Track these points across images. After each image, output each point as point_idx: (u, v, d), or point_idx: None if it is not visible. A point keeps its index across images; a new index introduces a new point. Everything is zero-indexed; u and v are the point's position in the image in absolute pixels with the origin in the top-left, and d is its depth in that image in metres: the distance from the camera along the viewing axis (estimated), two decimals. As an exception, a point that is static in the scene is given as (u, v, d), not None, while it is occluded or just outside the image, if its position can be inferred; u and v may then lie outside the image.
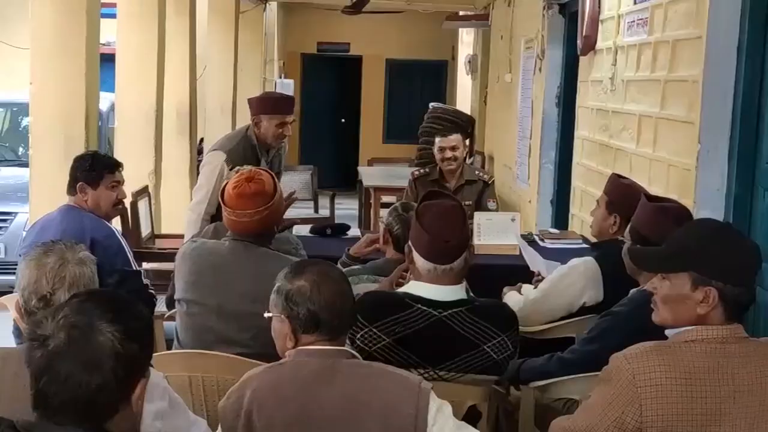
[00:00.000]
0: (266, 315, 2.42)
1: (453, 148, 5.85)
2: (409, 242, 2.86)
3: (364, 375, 2.27)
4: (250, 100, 5.00)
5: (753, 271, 2.26)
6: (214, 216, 4.56)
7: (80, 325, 1.68)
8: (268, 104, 4.91)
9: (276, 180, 3.42)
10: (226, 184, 3.39)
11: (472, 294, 3.05)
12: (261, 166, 4.50)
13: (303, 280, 2.33)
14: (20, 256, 4.07)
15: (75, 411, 1.66)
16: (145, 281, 4.05)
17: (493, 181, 6.13)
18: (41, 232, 4.00)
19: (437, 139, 5.97)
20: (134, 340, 1.72)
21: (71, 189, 4.11)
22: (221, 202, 3.36)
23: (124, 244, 4.07)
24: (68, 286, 2.36)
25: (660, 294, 2.31)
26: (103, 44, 5.59)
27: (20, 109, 8.72)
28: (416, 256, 2.81)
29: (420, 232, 2.79)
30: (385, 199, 8.85)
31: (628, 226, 3.17)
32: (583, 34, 6.10)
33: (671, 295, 2.27)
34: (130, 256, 4.07)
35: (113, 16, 6.87)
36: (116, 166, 4.22)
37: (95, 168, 4.13)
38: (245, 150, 4.78)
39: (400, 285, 3.12)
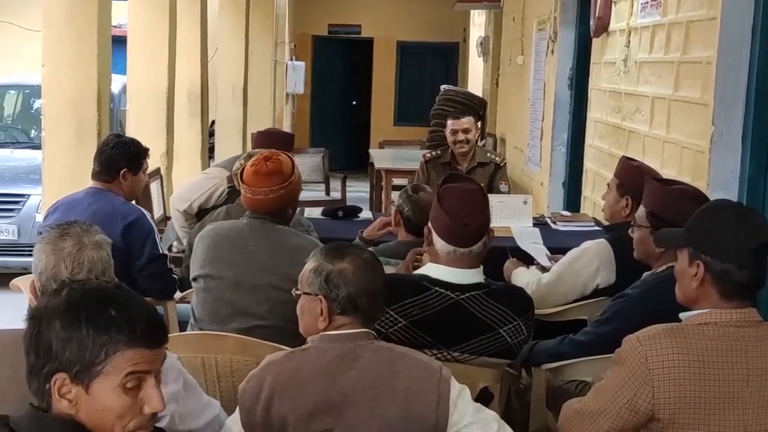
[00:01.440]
0: (295, 292, 2.43)
1: (465, 131, 5.84)
2: (429, 224, 2.86)
3: (385, 359, 2.26)
4: (253, 134, 5.23)
5: (751, 251, 2.21)
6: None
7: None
8: (271, 140, 5.04)
9: (294, 162, 3.46)
10: (245, 165, 3.46)
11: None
12: None
13: (345, 263, 2.33)
14: (39, 234, 4.10)
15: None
16: (170, 265, 4.07)
17: (505, 163, 6.12)
18: (67, 212, 3.97)
19: (449, 122, 5.95)
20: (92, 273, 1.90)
21: (109, 174, 4.06)
22: (240, 182, 3.42)
23: (154, 227, 4.10)
24: (87, 272, 2.35)
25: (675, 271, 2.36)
26: (114, 26, 5.58)
27: (32, 92, 8.74)
28: (436, 238, 2.81)
29: (441, 215, 2.79)
30: (397, 181, 8.84)
31: (644, 210, 3.15)
32: (596, 15, 6.06)
33: (677, 271, 2.34)
34: (158, 239, 4.09)
35: (125, -2, 6.87)
36: (147, 151, 4.31)
37: (138, 154, 4.17)
38: None
39: (416, 268, 3.12)
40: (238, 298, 3.25)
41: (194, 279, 3.36)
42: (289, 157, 3.48)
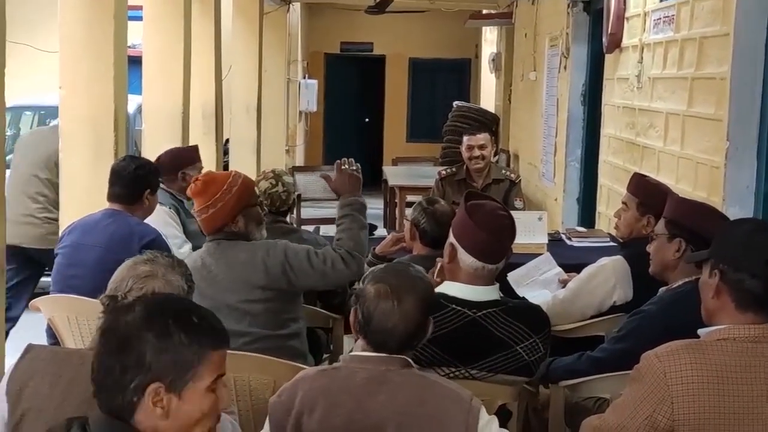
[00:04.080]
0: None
1: (481, 147, 5.83)
2: (454, 241, 2.85)
3: (415, 385, 2.25)
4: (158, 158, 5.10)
5: (764, 261, 2.21)
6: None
7: (114, 311, 1.83)
8: (175, 158, 5.06)
9: (233, 177, 3.41)
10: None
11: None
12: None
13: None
14: (55, 256, 4.13)
15: (109, 387, 1.74)
16: None
17: (520, 180, 6.12)
18: (83, 234, 4.01)
19: (465, 138, 5.95)
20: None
21: (133, 196, 4.08)
22: None
23: (170, 248, 4.12)
24: None
25: None
26: (129, 47, 5.61)
27: (47, 113, 8.78)
28: (463, 254, 2.81)
29: (474, 231, 2.78)
30: (410, 198, 8.84)
31: (663, 221, 3.14)
32: (609, 31, 6.08)
33: (701, 283, 2.36)
34: None
35: (139, 18, 6.91)
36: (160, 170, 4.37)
37: (158, 174, 4.26)
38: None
39: (402, 249, 3.13)
40: None
41: None
42: (229, 173, 3.45)
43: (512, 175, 6.06)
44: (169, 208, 4.84)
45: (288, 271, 3.28)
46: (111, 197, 4.10)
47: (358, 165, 3.60)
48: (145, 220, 4.44)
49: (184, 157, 5.10)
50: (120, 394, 1.73)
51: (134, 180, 4.09)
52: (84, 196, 5.00)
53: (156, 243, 3.95)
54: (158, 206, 4.78)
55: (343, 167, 3.59)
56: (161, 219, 4.73)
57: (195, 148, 5.42)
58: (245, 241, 3.37)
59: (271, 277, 3.27)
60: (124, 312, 1.78)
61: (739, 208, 3.91)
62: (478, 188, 5.70)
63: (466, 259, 2.81)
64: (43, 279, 6.26)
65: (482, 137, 5.85)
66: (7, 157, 5.32)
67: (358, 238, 3.44)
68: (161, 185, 4.93)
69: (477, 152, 5.82)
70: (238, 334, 3.25)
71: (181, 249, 4.50)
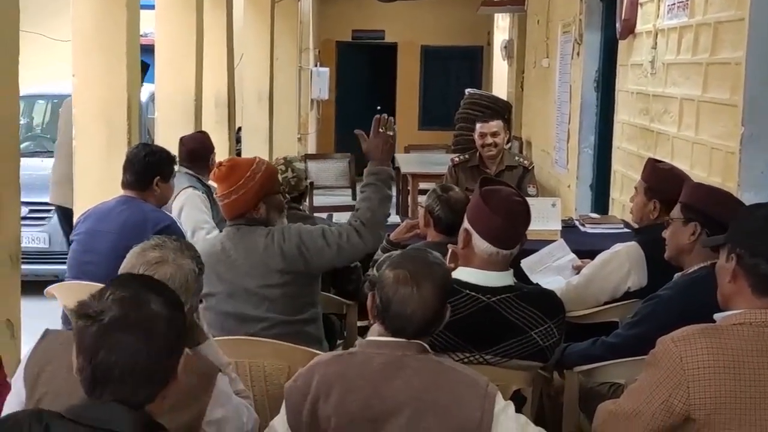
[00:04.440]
0: None
1: (494, 134, 5.81)
2: (468, 226, 2.85)
3: (431, 371, 2.25)
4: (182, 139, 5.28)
5: None
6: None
7: (130, 296, 1.76)
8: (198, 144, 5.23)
9: (256, 163, 3.39)
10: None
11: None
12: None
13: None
14: (70, 243, 4.15)
15: (134, 381, 1.72)
16: None
17: (533, 166, 6.11)
18: (98, 221, 4.05)
19: (478, 125, 5.94)
20: (178, 308, 1.82)
21: (143, 183, 4.11)
22: None
23: (185, 234, 4.15)
24: None
25: None
26: (141, 35, 5.63)
27: (61, 101, 8.82)
28: (477, 239, 2.81)
29: (489, 216, 2.78)
30: (423, 185, 8.84)
31: (678, 205, 3.13)
32: (623, 17, 6.05)
33: (718, 267, 2.34)
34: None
35: (151, 7, 6.92)
36: (176, 159, 4.41)
37: (169, 162, 4.26)
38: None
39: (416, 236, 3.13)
40: (236, 307, 3.29)
41: (199, 301, 3.39)
42: (253, 159, 3.44)
43: (525, 162, 6.04)
44: (202, 193, 4.88)
45: (304, 252, 3.29)
46: (123, 184, 4.15)
47: (396, 128, 3.55)
48: (181, 206, 4.49)
49: (211, 144, 5.25)
50: (168, 363, 1.77)
51: (144, 167, 4.12)
52: (97, 183, 5.03)
53: (170, 229, 3.97)
54: (191, 191, 4.85)
55: (380, 129, 3.53)
56: (195, 204, 4.78)
57: (208, 135, 5.48)
58: (264, 227, 3.36)
59: (288, 260, 3.27)
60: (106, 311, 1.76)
61: (754, 193, 3.89)
62: (492, 175, 5.69)
63: (480, 244, 2.80)
64: (56, 267, 6.31)
65: (495, 124, 5.83)
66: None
67: (376, 208, 3.42)
68: (189, 171, 4.96)
69: (489, 139, 5.80)
70: (256, 319, 3.26)
71: (209, 235, 4.52)
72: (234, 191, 3.32)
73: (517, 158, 6.13)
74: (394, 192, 10.39)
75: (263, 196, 3.37)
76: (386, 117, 3.53)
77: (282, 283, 3.29)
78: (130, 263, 2.37)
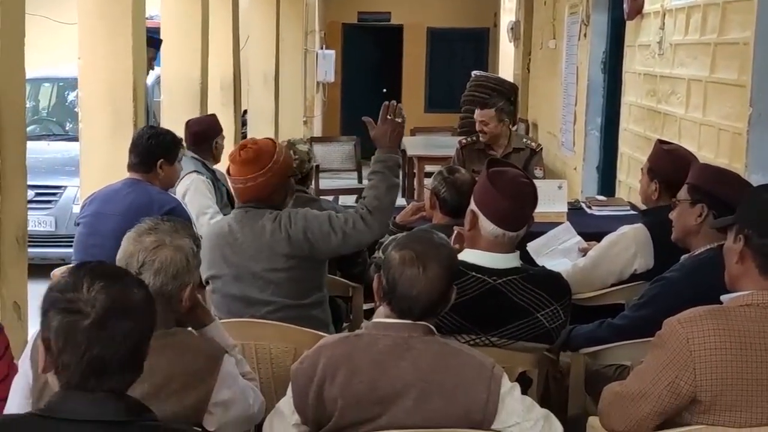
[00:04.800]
0: None
1: (482, 122, 5.84)
2: (475, 208, 2.84)
3: (437, 352, 2.26)
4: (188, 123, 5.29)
5: None
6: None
7: (111, 284, 1.74)
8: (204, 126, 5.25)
9: (277, 147, 3.35)
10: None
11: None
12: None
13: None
14: (76, 225, 4.16)
15: (126, 369, 1.72)
16: None
17: (541, 148, 6.09)
18: (104, 204, 4.05)
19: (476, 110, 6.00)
20: (144, 285, 1.82)
21: (146, 165, 4.11)
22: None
23: (191, 216, 4.14)
24: (155, 271, 2.29)
25: None
26: (147, 18, 5.61)
27: (66, 84, 8.82)
28: (484, 221, 2.80)
29: (496, 198, 2.78)
30: (429, 168, 8.82)
31: (685, 186, 3.11)
32: (630, -2, 6.02)
33: (725, 248, 2.34)
34: (195, 228, 4.13)
35: (157, -11, 6.92)
36: (182, 141, 4.39)
37: (174, 144, 4.24)
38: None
39: (422, 218, 3.11)
40: (242, 290, 3.28)
41: (206, 283, 3.38)
42: (273, 141, 3.40)
43: (533, 144, 6.03)
44: (206, 178, 4.88)
45: (310, 237, 3.28)
46: (129, 166, 4.16)
47: (405, 115, 3.53)
48: (185, 191, 4.48)
49: (217, 127, 5.21)
50: (145, 355, 1.77)
51: (147, 149, 4.12)
52: (104, 166, 5.03)
53: (176, 212, 3.97)
54: (195, 175, 4.84)
55: (389, 116, 3.51)
56: (199, 189, 4.78)
57: (216, 118, 5.47)
58: (271, 211, 3.35)
59: (293, 244, 3.27)
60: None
61: (761, 174, 3.88)
62: (499, 157, 5.68)
63: (487, 226, 2.80)
64: (63, 250, 6.33)
65: (485, 113, 5.82)
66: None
67: (383, 197, 3.40)
68: (194, 155, 4.95)
69: (479, 126, 5.86)
70: (262, 302, 3.26)
71: (213, 220, 4.52)
72: (261, 175, 3.26)
73: (524, 140, 6.12)
74: (399, 175, 10.44)
75: (286, 180, 3.37)
76: (395, 104, 3.50)
77: (287, 267, 3.28)
78: (128, 251, 2.34)
